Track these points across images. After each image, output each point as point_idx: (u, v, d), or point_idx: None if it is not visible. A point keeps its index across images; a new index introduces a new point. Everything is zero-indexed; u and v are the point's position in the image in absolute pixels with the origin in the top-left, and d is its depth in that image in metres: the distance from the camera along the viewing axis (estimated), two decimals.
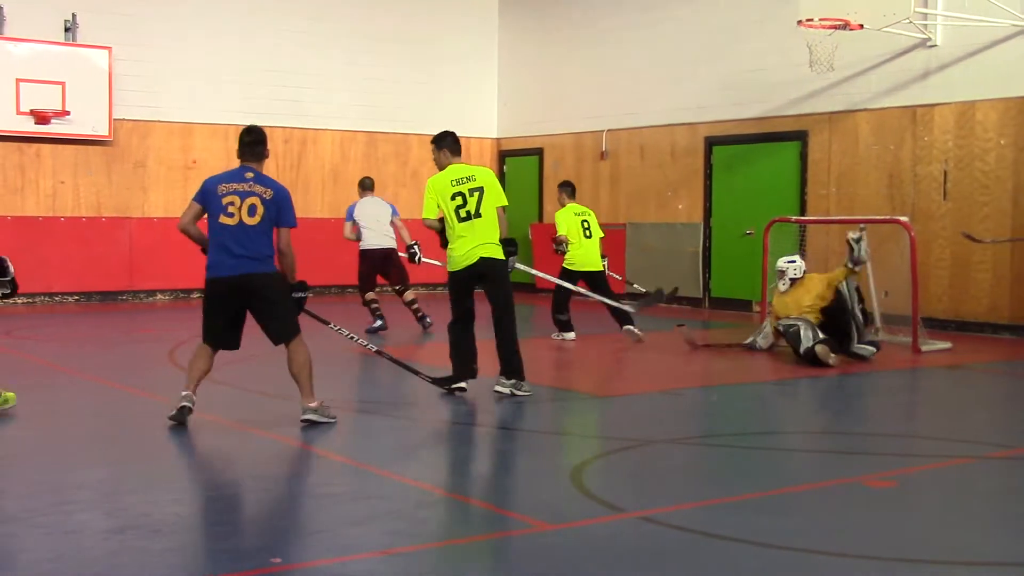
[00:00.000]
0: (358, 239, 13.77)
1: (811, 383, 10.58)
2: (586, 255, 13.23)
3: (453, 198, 8.82)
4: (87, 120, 17.20)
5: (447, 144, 9.22)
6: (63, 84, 16.96)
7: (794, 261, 12.11)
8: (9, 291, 7.90)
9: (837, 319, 11.48)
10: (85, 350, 12.38)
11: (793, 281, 11.93)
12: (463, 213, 8.79)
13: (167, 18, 18.03)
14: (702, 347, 12.32)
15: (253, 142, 7.93)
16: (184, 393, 7.61)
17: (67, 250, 17.24)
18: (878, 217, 13.83)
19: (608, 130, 18.96)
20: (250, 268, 7.56)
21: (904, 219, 12.91)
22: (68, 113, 16.97)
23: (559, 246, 13.31)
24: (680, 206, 17.73)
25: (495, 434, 8.10)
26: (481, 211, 8.83)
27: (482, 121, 21.09)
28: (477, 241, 8.80)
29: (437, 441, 7.76)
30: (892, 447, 7.56)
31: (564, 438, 7.89)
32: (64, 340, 13.21)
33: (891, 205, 14.83)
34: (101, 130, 17.34)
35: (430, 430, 8.09)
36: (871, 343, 11.70)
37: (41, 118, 16.82)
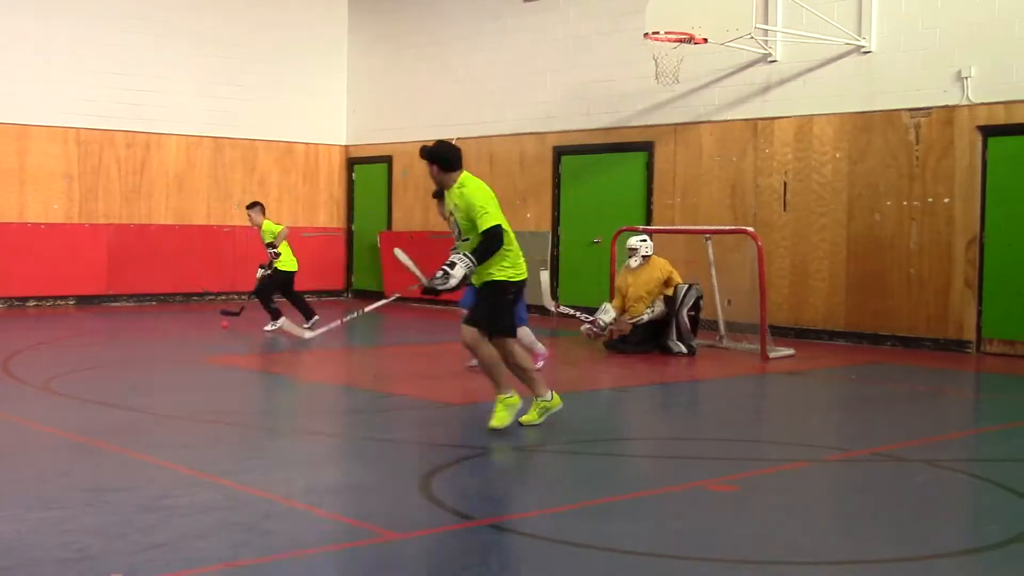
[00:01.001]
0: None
1: (660, 389, 10.77)
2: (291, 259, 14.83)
3: None
4: None
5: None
6: None
7: (645, 240, 12.97)
8: None
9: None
10: None
11: (644, 259, 12.84)
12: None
13: (7, 17, 17.39)
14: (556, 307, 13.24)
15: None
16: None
17: None
18: (724, 227, 14.17)
19: (457, 138, 18.98)
20: None
21: (750, 229, 13.27)
22: None
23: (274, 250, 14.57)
24: (528, 215, 17.87)
25: (342, 443, 8.03)
26: None
27: (331, 128, 20.92)
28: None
29: (283, 450, 7.64)
30: (736, 452, 7.74)
31: (412, 446, 7.86)
32: None
33: (733, 215, 15.21)
34: None
35: (277, 439, 7.97)
36: (688, 345, 12.60)
37: None
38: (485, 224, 7.67)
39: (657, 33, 13.83)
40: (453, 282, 7.58)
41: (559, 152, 17.56)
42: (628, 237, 13.62)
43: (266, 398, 10.00)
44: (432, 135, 19.33)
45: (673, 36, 13.83)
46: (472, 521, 5.73)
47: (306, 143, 20.59)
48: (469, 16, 18.84)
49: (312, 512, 5.89)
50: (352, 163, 21.11)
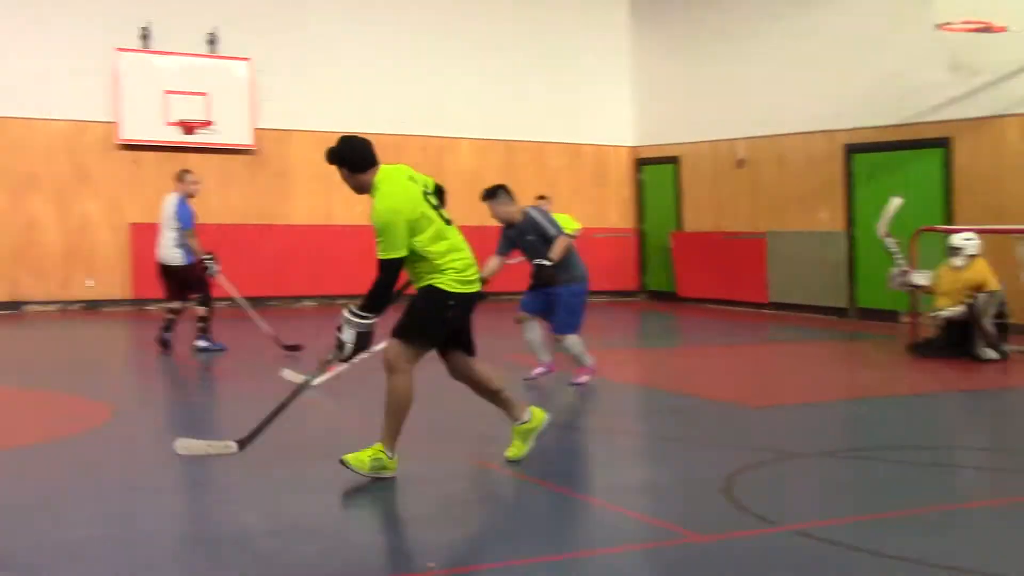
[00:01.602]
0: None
1: (969, 397, 10.31)
2: None
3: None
4: (231, 130, 17.67)
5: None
6: (207, 95, 17.45)
7: (972, 239, 12.19)
8: None
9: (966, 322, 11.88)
10: (257, 358, 12.52)
11: (970, 259, 12.09)
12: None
13: (305, 29, 18.39)
14: None
15: None
16: None
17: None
18: None
19: (745, 138, 18.76)
20: None
21: None
22: (211, 123, 17.45)
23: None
24: (821, 215, 17.43)
25: (643, 443, 8.07)
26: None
27: (618, 129, 21.03)
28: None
29: (585, 449, 7.75)
30: None
31: (712, 448, 7.81)
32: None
33: None
34: (244, 140, 17.79)
35: (579, 438, 8.08)
36: (999, 350, 11.83)
37: (187, 128, 17.34)
38: (378, 254, 6.14)
39: (950, 23, 13.20)
40: (348, 348, 6.13)
41: (850, 150, 17.06)
42: (927, 237, 13.11)
43: (562, 397, 10.15)
44: (720, 135, 19.22)
45: (969, 26, 13.17)
46: (776, 526, 5.65)
47: (594, 144, 20.79)
48: (756, 14, 18.55)
49: (615, 511, 5.95)
50: (640, 164, 21.17)
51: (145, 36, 17.26)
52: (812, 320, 16.34)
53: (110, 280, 17.26)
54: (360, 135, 6.53)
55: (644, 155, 21.05)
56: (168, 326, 11.92)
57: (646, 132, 20.93)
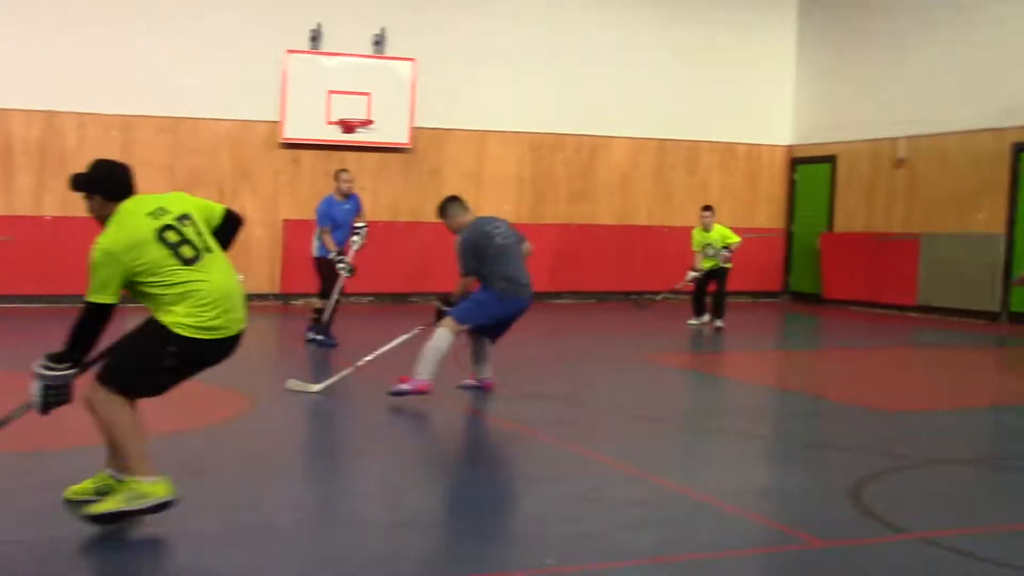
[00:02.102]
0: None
1: None
2: None
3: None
4: (389, 129, 18.04)
5: None
6: (369, 95, 17.85)
7: None
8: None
9: None
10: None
11: None
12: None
13: (468, 31, 18.63)
14: None
15: None
16: None
17: (363, 252, 18.06)
18: None
19: (906, 136, 18.29)
20: None
21: None
22: (372, 122, 17.85)
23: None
24: (980, 215, 16.88)
25: (770, 446, 8.00)
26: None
27: (775, 127, 20.73)
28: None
29: (711, 451, 7.72)
30: None
31: (844, 453, 7.69)
32: (356, 341, 13.84)
33: None
34: (401, 138, 18.15)
35: (705, 438, 8.05)
36: None
37: (347, 127, 17.77)
38: (86, 295, 5.11)
39: None
40: (36, 400, 5.11)
41: (1019, 149, 16.47)
42: None
43: (696, 397, 10.13)
44: (880, 133, 18.77)
45: None
46: (905, 533, 5.55)
47: (748, 143, 20.53)
48: (920, 11, 18.05)
49: (738, 514, 5.92)
50: (795, 163, 20.84)
51: (315, 37, 17.75)
52: (962, 324, 15.86)
53: (260, 275, 17.79)
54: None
55: (800, 154, 20.71)
56: (315, 321, 12.31)
57: (804, 131, 20.57)
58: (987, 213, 16.80)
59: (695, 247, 15.16)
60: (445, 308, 8.83)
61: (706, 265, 14.96)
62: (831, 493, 6.32)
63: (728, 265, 14.96)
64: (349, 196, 12.57)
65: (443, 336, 8.65)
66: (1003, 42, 16.67)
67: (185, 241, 5.26)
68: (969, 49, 17.19)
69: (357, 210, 12.63)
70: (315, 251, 12.51)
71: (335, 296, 12.17)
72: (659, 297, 15.81)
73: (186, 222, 5.31)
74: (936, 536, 5.45)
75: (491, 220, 9.23)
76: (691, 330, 14.65)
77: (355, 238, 12.29)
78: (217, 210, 5.56)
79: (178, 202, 5.39)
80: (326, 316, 12.14)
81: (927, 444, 7.85)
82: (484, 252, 8.83)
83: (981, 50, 17.01)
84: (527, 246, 9.28)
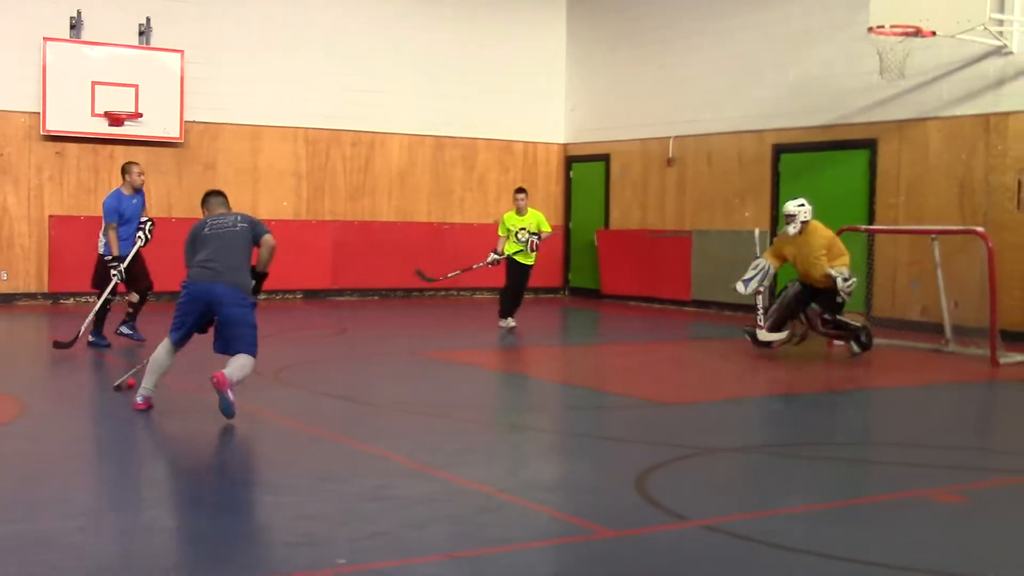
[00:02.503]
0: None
1: (878, 394, 10.46)
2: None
3: None
4: (159, 122, 17.46)
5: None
6: (136, 87, 17.23)
7: (803, 204, 12.37)
8: None
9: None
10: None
11: (803, 224, 12.25)
12: None
13: (238, 22, 18.23)
14: None
15: None
16: None
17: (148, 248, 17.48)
18: (951, 227, 13.63)
19: (675, 136, 18.88)
20: None
21: (980, 229, 12.72)
22: (141, 115, 17.24)
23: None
24: (747, 214, 17.60)
25: (558, 439, 8.09)
26: None
27: (549, 126, 21.07)
28: None
29: (500, 444, 7.76)
30: (963, 461, 7.44)
31: (628, 444, 7.86)
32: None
33: (961, 215, 14.61)
34: (172, 132, 17.59)
35: (493, 433, 8.09)
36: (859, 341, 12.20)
37: (115, 120, 17.10)
38: None
39: (882, 27, 13.42)
40: None
41: (778, 150, 17.23)
42: (848, 236, 13.26)
43: (483, 392, 10.17)
44: (650, 133, 19.34)
45: (899, 30, 13.40)
46: (687, 521, 5.70)
47: (525, 141, 20.81)
48: (688, 14, 18.66)
49: (527, 507, 5.96)
50: (570, 161, 21.23)
51: (75, 26, 16.98)
52: (734, 318, 16.47)
53: (26, 273, 16.97)
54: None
55: (575, 152, 21.11)
56: (124, 319, 12.13)
57: (577, 130, 20.99)
58: (753, 211, 17.51)
59: (501, 231, 14.78)
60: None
61: (510, 250, 14.63)
62: (617, 484, 6.44)
63: (531, 260, 14.70)
64: (138, 190, 12.08)
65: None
66: (759, 48, 17.40)
67: None
68: (729, 53, 17.89)
69: (143, 205, 12.20)
70: (101, 248, 12.02)
71: (105, 296, 11.74)
72: (451, 274, 15.68)
73: None
74: (717, 522, 5.61)
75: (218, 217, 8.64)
76: (499, 330, 14.49)
77: (140, 234, 11.89)
78: None
79: None
80: (89, 319, 11.67)
81: (704, 434, 8.10)
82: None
83: (739, 55, 17.72)
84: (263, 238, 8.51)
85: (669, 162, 18.95)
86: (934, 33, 13.22)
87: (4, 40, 16.56)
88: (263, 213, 17.95)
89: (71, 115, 16.89)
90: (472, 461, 7.03)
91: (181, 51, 17.54)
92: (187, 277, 8.24)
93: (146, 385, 8.25)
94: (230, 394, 7.65)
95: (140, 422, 8.03)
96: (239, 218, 8.51)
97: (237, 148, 18.30)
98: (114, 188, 12.55)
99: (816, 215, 12.54)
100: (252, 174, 18.35)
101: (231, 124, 18.23)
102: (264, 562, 4.96)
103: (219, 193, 9.02)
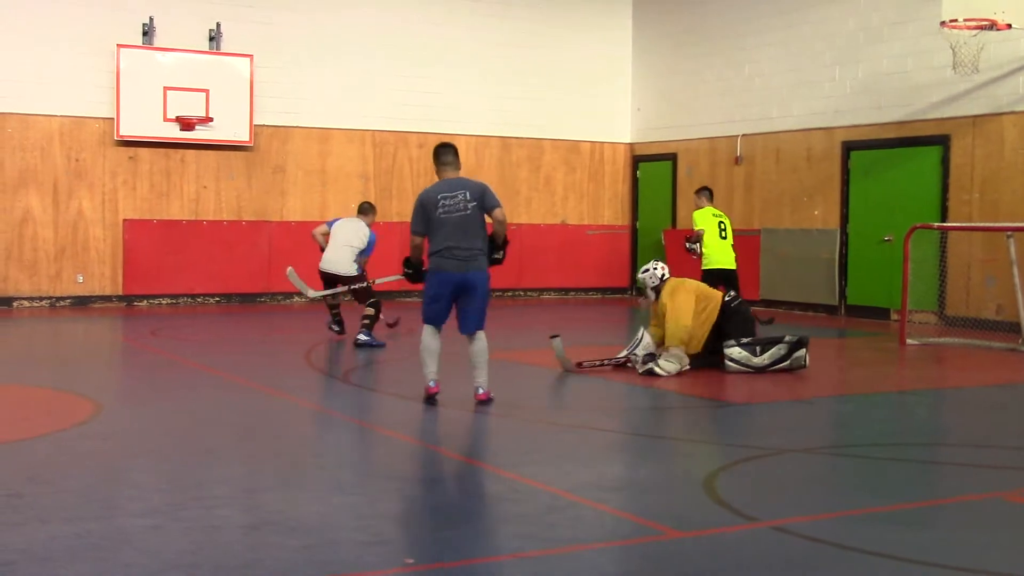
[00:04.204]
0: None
1: (955, 393, 10.30)
2: (722, 254, 13.95)
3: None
4: (229, 126, 17.68)
5: None
6: (207, 91, 17.46)
7: (647, 270, 11.21)
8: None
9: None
10: (225, 350, 12.69)
11: (654, 289, 11.01)
12: None
13: (305, 26, 18.41)
14: (577, 367, 10.72)
15: None
16: None
17: (209, 253, 17.73)
18: None
19: (743, 135, 18.74)
20: None
21: None
22: (211, 120, 17.46)
23: (693, 244, 13.57)
24: (816, 212, 17.42)
25: (626, 440, 8.07)
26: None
27: (616, 126, 21.02)
28: None
29: (567, 445, 7.75)
30: None
31: (696, 445, 7.82)
32: (205, 341, 13.57)
33: None
34: (242, 136, 17.80)
35: (559, 433, 8.08)
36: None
37: (186, 125, 17.34)
38: None
39: (955, 21, 13.22)
40: None
41: (848, 147, 17.04)
42: (921, 235, 13.06)
43: (548, 392, 10.15)
44: (718, 132, 19.22)
45: (973, 23, 13.19)
46: (756, 522, 5.65)
47: (591, 141, 20.78)
48: (756, 12, 18.53)
49: (595, 507, 5.95)
50: (637, 161, 21.16)
51: (147, 32, 17.25)
52: (803, 318, 16.32)
53: (100, 277, 17.26)
54: None
55: (641, 152, 21.02)
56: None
57: (644, 129, 20.90)
58: (822, 209, 17.33)
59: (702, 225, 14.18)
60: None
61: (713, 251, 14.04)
62: (685, 485, 6.41)
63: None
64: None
65: None
66: (826, 44, 17.22)
67: None
68: (798, 50, 17.72)
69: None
70: (354, 271, 13.04)
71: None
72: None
73: None
74: (786, 523, 5.56)
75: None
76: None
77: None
78: None
79: None
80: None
81: (771, 434, 8.03)
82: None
83: (808, 51, 17.54)
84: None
85: (737, 160, 18.82)
86: (1009, 26, 13.00)
87: (79, 48, 16.86)
88: (331, 215, 18.10)
89: (143, 120, 17.17)
90: (538, 461, 7.03)
91: (250, 55, 17.75)
92: (433, 264, 8.57)
93: (430, 372, 8.65)
94: (490, 394, 8.59)
95: (212, 419, 8.14)
96: (468, 196, 8.69)
97: (306, 151, 18.48)
98: (344, 217, 13.86)
99: (887, 213, 12.34)
100: (320, 176, 18.51)
101: (299, 127, 18.42)
102: (333, 561, 5.00)
103: (448, 148, 9.09)
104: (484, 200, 8.65)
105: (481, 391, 8.63)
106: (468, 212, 8.58)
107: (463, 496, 6.05)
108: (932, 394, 10.37)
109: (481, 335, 8.65)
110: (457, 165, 8.92)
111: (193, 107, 17.40)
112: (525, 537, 5.34)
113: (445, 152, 8.98)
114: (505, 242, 8.84)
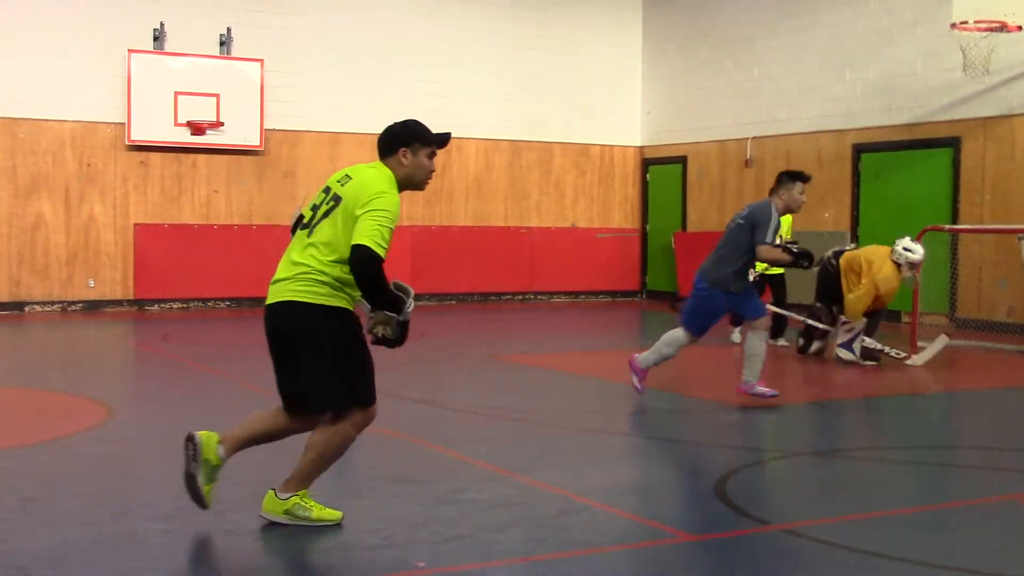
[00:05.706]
0: None
1: (968, 396, 10.27)
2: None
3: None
4: (239, 131, 17.70)
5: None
6: (217, 96, 17.49)
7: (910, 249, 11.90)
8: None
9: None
10: (235, 354, 12.70)
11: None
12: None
13: (316, 31, 18.43)
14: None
15: None
16: None
17: (220, 257, 17.75)
18: None
19: (753, 137, 18.72)
20: None
21: None
22: (222, 124, 17.49)
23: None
24: (826, 215, 17.39)
25: (637, 443, 8.06)
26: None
27: (625, 129, 21.01)
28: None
29: (579, 448, 7.74)
30: None
31: (707, 448, 7.80)
32: (216, 345, 13.58)
33: None
34: (253, 140, 17.83)
35: (572, 437, 8.08)
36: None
37: (197, 129, 17.37)
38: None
39: (965, 22, 13.20)
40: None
41: (858, 150, 17.01)
42: (932, 236, 13.04)
43: (561, 396, 10.15)
44: (727, 134, 19.20)
45: (983, 25, 13.16)
46: (769, 525, 5.64)
47: (601, 144, 20.78)
48: (765, 14, 18.52)
49: (607, 510, 5.94)
50: (647, 164, 21.15)
51: (157, 37, 17.29)
52: None
53: (112, 281, 17.30)
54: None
55: (651, 155, 21.01)
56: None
57: (653, 132, 20.89)
58: (832, 212, 17.31)
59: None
60: None
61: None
62: (696, 488, 6.40)
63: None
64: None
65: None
66: (836, 46, 17.19)
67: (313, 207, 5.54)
68: (807, 52, 17.69)
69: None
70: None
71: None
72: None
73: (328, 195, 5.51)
74: (799, 527, 5.55)
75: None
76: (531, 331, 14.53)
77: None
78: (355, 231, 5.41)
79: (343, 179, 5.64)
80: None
81: (784, 437, 8.02)
82: None
83: (817, 53, 17.52)
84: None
85: (747, 163, 18.80)
86: (1020, 28, 12.98)
87: (90, 53, 16.91)
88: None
89: (154, 125, 17.20)
90: (551, 464, 7.02)
91: (261, 60, 17.78)
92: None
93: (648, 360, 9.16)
94: None
95: (223, 423, 8.14)
96: (744, 213, 9.37)
97: (316, 155, 18.51)
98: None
99: (897, 215, 12.36)
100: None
101: (310, 131, 18.45)
102: (345, 565, 5.00)
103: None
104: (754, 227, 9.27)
105: None
106: (732, 226, 9.58)
107: (474, 499, 6.04)
108: (946, 397, 10.34)
109: None
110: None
111: (204, 112, 17.43)
112: (537, 540, 5.33)
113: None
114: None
